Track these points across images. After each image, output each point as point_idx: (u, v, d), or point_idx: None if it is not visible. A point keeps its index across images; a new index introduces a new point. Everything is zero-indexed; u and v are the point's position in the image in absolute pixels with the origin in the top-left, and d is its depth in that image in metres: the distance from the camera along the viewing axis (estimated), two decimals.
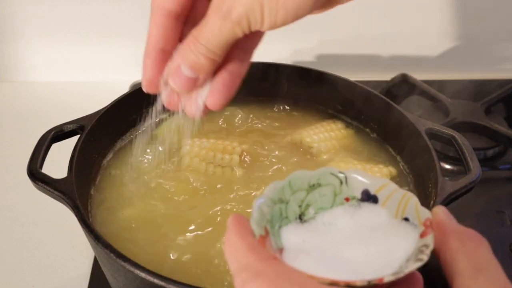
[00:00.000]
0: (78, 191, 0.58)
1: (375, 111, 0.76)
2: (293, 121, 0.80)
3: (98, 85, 1.08)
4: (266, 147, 0.75)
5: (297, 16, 0.42)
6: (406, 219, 0.40)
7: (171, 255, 0.60)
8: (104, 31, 1.07)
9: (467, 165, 0.64)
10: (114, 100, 0.71)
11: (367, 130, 0.79)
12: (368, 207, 0.42)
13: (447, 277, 0.35)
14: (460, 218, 0.39)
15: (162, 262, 0.59)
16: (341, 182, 0.43)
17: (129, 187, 0.68)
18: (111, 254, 0.51)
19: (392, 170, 0.71)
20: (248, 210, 0.65)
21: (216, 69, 0.47)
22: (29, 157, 0.61)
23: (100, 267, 0.64)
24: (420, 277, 0.38)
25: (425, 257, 0.35)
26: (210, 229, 0.62)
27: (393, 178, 0.70)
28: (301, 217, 0.42)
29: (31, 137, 0.65)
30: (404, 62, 1.14)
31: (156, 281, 0.49)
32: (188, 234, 0.62)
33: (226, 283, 0.57)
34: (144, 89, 0.49)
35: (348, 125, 0.79)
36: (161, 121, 0.79)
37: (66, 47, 1.08)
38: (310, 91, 0.80)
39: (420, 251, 0.36)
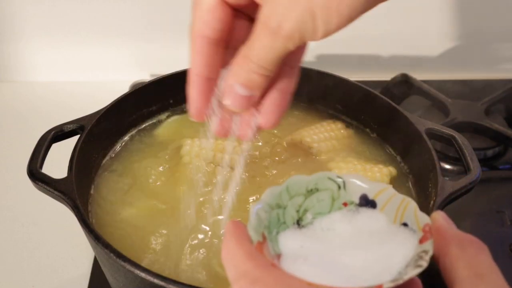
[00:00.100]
0: (78, 191, 0.58)
1: (375, 111, 0.76)
2: (293, 121, 0.80)
3: (98, 85, 1.08)
4: (266, 147, 0.75)
5: (351, 19, 0.40)
6: (405, 225, 0.40)
7: (171, 255, 0.60)
8: (104, 31, 1.07)
9: (467, 165, 0.64)
10: (114, 100, 0.71)
11: (367, 130, 0.79)
12: (366, 212, 0.42)
13: (447, 283, 0.35)
14: (460, 218, 0.39)
15: (162, 262, 0.59)
16: (339, 187, 0.43)
17: (129, 187, 0.68)
18: (111, 254, 0.51)
19: (392, 170, 0.70)
20: (248, 205, 0.65)
21: (267, 88, 0.45)
22: (29, 157, 0.61)
23: (100, 267, 0.64)
24: (419, 283, 0.37)
25: (424, 263, 0.35)
26: (210, 229, 0.62)
27: (393, 178, 0.70)
28: (299, 222, 0.42)
29: (31, 137, 0.65)
30: (404, 62, 1.14)
31: (156, 281, 0.49)
32: (188, 234, 0.62)
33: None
34: (193, 119, 0.47)
35: (348, 125, 0.79)
36: (160, 121, 0.79)
37: (66, 47, 1.08)
38: (310, 91, 0.80)
39: (419, 257, 0.36)
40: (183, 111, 0.81)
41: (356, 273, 0.36)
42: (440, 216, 0.38)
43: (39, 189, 0.59)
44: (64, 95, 1.06)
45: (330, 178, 0.43)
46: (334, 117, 0.81)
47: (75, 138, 0.65)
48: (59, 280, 0.72)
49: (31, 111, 1.02)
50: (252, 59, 0.42)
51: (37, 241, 0.77)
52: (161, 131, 0.77)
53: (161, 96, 0.79)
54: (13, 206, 0.82)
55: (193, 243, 0.61)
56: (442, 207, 0.58)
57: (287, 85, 0.46)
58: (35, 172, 0.60)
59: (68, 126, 0.66)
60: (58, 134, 0.65)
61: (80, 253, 0.74)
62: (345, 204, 0.43)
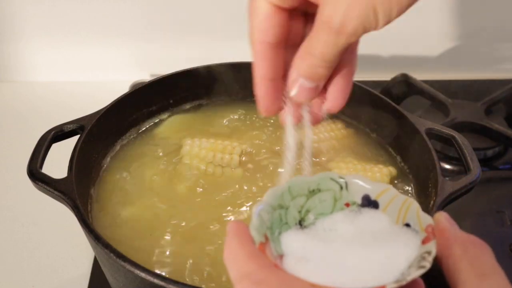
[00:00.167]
0: (78, 191, 0.58)
1: (375, 111, 0.76)
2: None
3: (98, 85, 1.08)
4: (266, 147, 0.75)
5: (410, 5, 0.41)
6: (408, 225, 0.40)
7: (171, 255, 0.60)
8: (104, 31, 1.07)
9: (467, 165, 0.64)
10: (114, 100, 0.71)
11: (367, 130, 0.79)
12: (368, 212, 0.42)
13: (450, 284, 0.35)
14: (460, 218, 0.39)
15: (162, 262, 0.59)
16: (341, 187, 0.43)
17: (129, 187, 0.68)
18: (111, 254, 0.51)
19: (392, 170, 0.70)
20: (248, 204, 0.65)
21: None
22: (29, 157, 0.61)
23: (100, 267, 0.64)
24: (422, 284, 0.37)
25: (427, 264, 0.35)
26: (210, 229, 0.62)
27: (393, 178, 0.70)
28: (301, 223, 0.42)
29: (31, 137, 0.65)
30: (404, 62, 1.14)
31: (156, 281, 0.49)
32: (188, 234, 0.62)
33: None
34: (263, 115, 0.50)
35: (348, 125, 0.79)
36: (160, 121, 0.79)
37: (66, 47, 1.08)
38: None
39: (422, 257, 0.36)
40: (183, 111, 0.81)
41: (358, 274, 0.36)
42: (443, 217, 0.38)
43: (39, 189, 0.59)
44: (64, 95, 1.06)
45: (332, 179, 0.43)
46: (334, 117, 0.81)
47: (75, 138, 0.65)
48: (59, 280, 0.72)
49: (31, 111, 1.02)
50: (316, 55, 0.44)
51: (37, 241, 0.77)
52: (161, 131, 0.77)
53: (161, 96, 0.79)
54: (13, 206, 0.82)
55: (192, 241, 0.61)
56: (442, 207, 0.58)
57: (349, 69, 0.48)
58: (35, 172, 0.60)
59: (68, 126, 0.66)
60: (58, 134, 0.65)
61: (80, 253, 0.74)
62: (347, 205, 0.43)
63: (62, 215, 0.65)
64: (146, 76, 1.09)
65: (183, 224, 0.63)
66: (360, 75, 0.95)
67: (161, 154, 0.73)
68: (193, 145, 0.71)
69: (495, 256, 0.35)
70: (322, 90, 0.48)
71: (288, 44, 0.47)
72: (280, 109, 0.49)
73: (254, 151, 0.74)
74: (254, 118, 0.81)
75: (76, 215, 0.56)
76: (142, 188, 0.68)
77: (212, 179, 0.69)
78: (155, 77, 0.77)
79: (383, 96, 0.75)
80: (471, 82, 1.09)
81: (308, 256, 0.38)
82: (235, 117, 0.81)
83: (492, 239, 0.37)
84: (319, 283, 0.34)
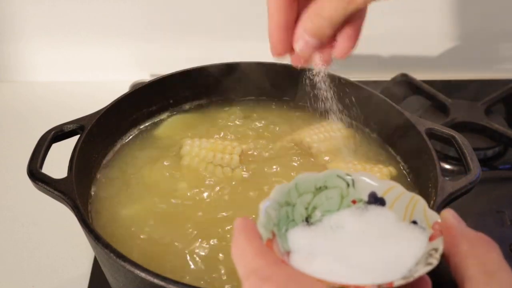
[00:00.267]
0: (78, 191, 0.58)
1: (375, 111, 0.76)
2: (293, 121, 0.80)
3: (98, 85, 1.08)
4: (266, 147, 0.75)
5: None
6: (414, 222, 0.40)
7: (171, 254, 0.60)
8: (104, 31, 1.07)
9: (467, 165, 0.64)
10: (114, 100, 0.71)
11: (367, 130, 0.79)
12: (375, 209, 0.42)
13: (457, 281, 0.35)
14: (460, 218, 0.39)
15: (162, 262, 0.59)
16: (348, 185, 0.43)
17: (129, 187, 0.68)
18: (111, 254, 0.51)
19: (392, 170, 0.70)
20: (247, 204, 0.65)
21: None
22: (29, 157, 0.61)
23: (100, 267, 0.64)
24: (429, 281, 0.38)
25: (435, 261, 0.35)
26: (210, 229, 0.62)
27: (393, 178, 0.70)
28: (307, 220, 0.42)
29: (31, 137, 0.65)
30: (404, 62, 1.14)
31: (156, 281, 0.49)
32: (187, 234, 0.62)
33: (228, 286, 0.57)
34: (273, 57, 0.54)
35: (348, 125, 0.79)
36: (160, 121, 0.79)
37: (66, 47, 1.08)
38: (311, 91, 0.80)
39: (429, 254, 0.36)
40: (183, 111, 0.81)
41: (365, 270, 0.36)
42: (450, 214, 0.38)
43: (39, 189, 0.59)
44: (64, 95, 1.06)
45: (339, 176, 0.43)
46: (334, 117, 0.80)
47: (75, 138, 0.65)
48: (59, 280, 0.72)
49: (31, 111, 1.02)
50: (325, 17, 0.47)
51: (37, 241, 0.77)
52: (161, 131, 0.77)
53: (161, 96, 0.79)
54: (13, 206, 0.82)
55: (192, 241, 0.61)
56: (442, 207, 0.58)
57: (357, 22, 0.50)
58: (35, 172, 0.59)
59: (68, 126, 0.66)
60: (58, 134, 0.65)
61: (80, 253, 0.74)
62: (354, 202, 0.43)
63: (62, 215, 0.65)
64: (146, 76, 1.09)
65: (184, 224, 0.63)
66: (360, 75, 0.95)
67: (161, 154, 0.73)
68: (193, 145, 0.71)
69: (505, 261, 0.35)
70: (331, 38, 0.50)
71: None
72: (290, 52, 0.52)
73: (254, 151, 0.74)
74: (254, 118, 0.81)
75: (76, 215, 0.56)
76: (142, 188, 0.68)
77: (212, 179, 0.69)
78: (155, 77, 0.77)
79: (383, 96, 0.75)
80: (471, 82, 1.09)
81: (315, 252, 0.38)
82: (235, 117, 0.81)
83: (492, 239, 0.37)
84: (326, 279, 0.34)
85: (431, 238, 0.38)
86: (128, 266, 0.50)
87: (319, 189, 0.43)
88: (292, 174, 0.70)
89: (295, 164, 0.72)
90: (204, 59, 0.80)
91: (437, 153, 0.65)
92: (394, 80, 1.02)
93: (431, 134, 0.68)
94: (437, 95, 0.99)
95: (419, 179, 0.68)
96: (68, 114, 0.70)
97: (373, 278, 0.35)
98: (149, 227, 0.63)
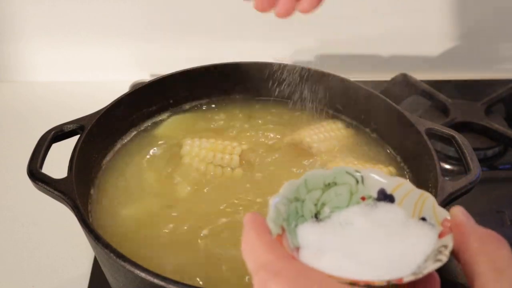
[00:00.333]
0: (78, 191, 0.58)
1: (375, 111, 0.76)
2: (293, 121, 0.80)
3: (98, 85, 1.08)
4: (266, 147, 0.75)
5: None
6: (424, 219, 0.40)
7: (171, 254, 0.60)
8: (104, 31, 1.07)
9: (467, 165, 0.64)
10: (114, 100, 0.71)
11: (367, 130, 0.79)
12: (384, 206, 0.42)
13: (467, 278, 0.35)
14: (470, 215, 0.39)
15: (162, 262, 0.59)
16: (357, 181, 0.43)
17: (129, 187, 0.68)
18: (111, 254, 0.51)
19: (392, 170, 0.70)
20: (247, 203, 0.65)
21: None
22: (29, 157, 0.61)
23: (100, 267, 0.64)
24: (437, 277, 0.38)
25: (444, 258, 0.35)
26: (209, 229, 0.62)
27: None
28: (317, 216, 0.42)
29: (31, 137, 0.65)
30: (404, 62, 1.14)
31: (156, 281, 0.49)
32: (187, 234, 0.62)
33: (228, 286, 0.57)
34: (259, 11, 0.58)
35: (348, 125, 0.79)
36: (160, 121, 0.79)
37: (66, 47, 1.08)
38: (310, 91, 0.80)
39: (438, 251, 0.36)
40: (183, 111, 0.81)
41: (375, 267, 0.36)
42: (459, 211, 0.38)
43: (39, 189, 0.59)
44: (64, 95, 1.06)
45: (348, 173, 0.43)
46: (334, 117, 0.81)
47: (75, 138, 0.65)
48: (59, 280, 0.72)
49: (31, 111, 1.02)
50: None
51: (37, 241, 0.77)
52: (161, 131, 0.77)
53: (161, 96, 0.79)
54: (13, 206, 0.82)
55: (192, 241, 0.61)
56: (442, 207, 0.58)
57: None
58: (35, 172, 0.60)
59: (68, 126, 0.66)
60: (58, 134, 0.65)
61: (80, 253, 0.74)
62: (363, 198, 0.43)
63: (62, 215, 0.65)
64: (146, 76, 1.09)
65: (183, 224, 0.63)
66: (360, 75, 0.95)
67: (161, 154, 0.73)
68: (193, 145, 0.71)
69: None
70: None
71: None
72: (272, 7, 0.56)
73: (254, 151, 0.74)
74: (254, 118, 0.81)
75: (76, 215, 0.56)
76: (142, 188, 0.68)
77: (212, 179, 0.69)
78: (155, 77, 0.77)
79: (383, 96, 0.75)
80: (471, 82, 1.09)
81: (324, 249, 0.38)
82: (235, 117, 0.81)
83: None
84: (336, 275, 0.34)
85: (440, 235, 0.38)
86: (128, 266, 0.50)
87: (328, 186, 0.43)
88: (292, 174, 0.70)
89: (295, 164, 0.72)
90: (204, 59, 0.80)
91: (437, 153, 0.65)
92: (394, 80, 1.02)
93: (431, 134, 0.68)
94: (437, 95, 0.99)
95: (419, 179, 0.68)
96: (68, 114, 0.70)
97: (382, 274, 0.35)
98: (149, 227, 0.63)
